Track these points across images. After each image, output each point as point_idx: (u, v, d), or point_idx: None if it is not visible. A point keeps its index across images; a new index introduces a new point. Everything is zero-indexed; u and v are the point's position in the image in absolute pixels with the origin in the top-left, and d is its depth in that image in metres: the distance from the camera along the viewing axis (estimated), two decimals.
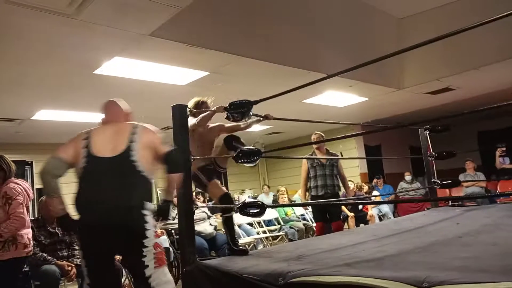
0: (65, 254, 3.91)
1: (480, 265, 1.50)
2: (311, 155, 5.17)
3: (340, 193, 5.31)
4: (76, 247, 3.98)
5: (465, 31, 1.64)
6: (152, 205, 2.31)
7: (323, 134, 5.10)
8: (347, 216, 7.41)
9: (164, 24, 3.30)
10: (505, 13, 1.49)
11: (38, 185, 7.13)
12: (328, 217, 5.05)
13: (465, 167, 7.74)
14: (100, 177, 2.27)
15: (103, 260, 2.23)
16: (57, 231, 3.94)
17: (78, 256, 3.91)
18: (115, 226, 2.17)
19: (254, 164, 2.75)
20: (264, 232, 6.70)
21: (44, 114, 5.51)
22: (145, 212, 2.22)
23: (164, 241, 4.83)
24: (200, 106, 3.05)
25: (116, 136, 2.38)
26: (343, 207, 7.44)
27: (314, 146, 5.09)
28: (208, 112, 2.86)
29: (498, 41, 4.79)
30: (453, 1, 4.67)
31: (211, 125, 3.16)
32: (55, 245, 3.89)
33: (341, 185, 5.18)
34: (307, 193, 5.25)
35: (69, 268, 3.73)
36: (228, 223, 2.97)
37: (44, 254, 3.74)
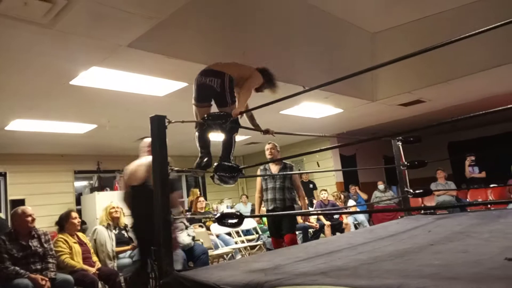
0: (39, 267, 3.83)
1: (451, 273, 1.53)
2: (265, 167, 4.87)
3: (297, 206, 4.89)
4: (50, 260, 3.90)
5: (437, 48, 1.72)
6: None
7: (276, 144, 4.84)
8: (324, 224, 7.51)
9: (143, 35, 3.30)
10: (475, 31, 1.57)
11: (11, 196, 6.94)
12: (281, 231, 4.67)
13: (436, 176, 7.96)
14: (132, 198, 3.66)
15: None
16: (30, 244, 3.85)
17: (51, 269, 3.84)
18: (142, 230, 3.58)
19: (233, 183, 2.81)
20: (243, 241, 6.70)
21: (19, 124, 5.38)
22: None
23: None
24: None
25: (138, 169, 3.64)
26: (320, 216, 7.55)
27: (268, 156, 4.78)
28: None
29: (467, 55, 4.99)
30: (425, 17, 4.85)
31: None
32: (28, 259, 3.80)
33: (297, 198, 4.83)
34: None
35: (43, 282, 3.65)
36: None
37: (16, 267, 3.65)
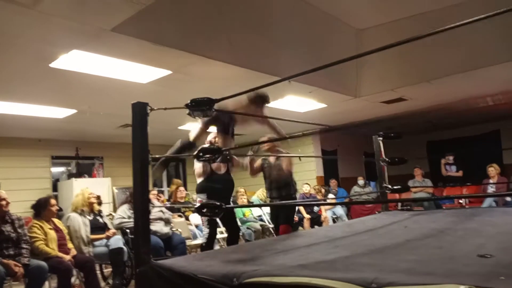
0: (12, 253, 3.74)
1: (426, 268, 1.55)
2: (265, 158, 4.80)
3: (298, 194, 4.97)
4: (24, 246, 3.82)
5: (416, 40, 1.72)
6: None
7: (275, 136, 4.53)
8: (303, 217, 7.58)
9: (127, 20, 3.24)
10: (452, 25, 1.56)
11: None
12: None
13: (414, 174, 8.11)
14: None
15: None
16: (2, 229, 3.76)
17: (25, 255, 3.76)
18: None
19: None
20: (221, 232, 6.69)
21: None
22: None
23: (118, 240, 4.73)
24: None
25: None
26: (301, 209, 7.60)
27: (266, 146, 4.59)
28: None
29: (449, 57, 5.07)
30: (411, 16, 4.89)
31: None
32: (0, 244, 3.71)
33: (297, 188, 4.90)
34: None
35: (16, 268, 3.57)
36: None
37: None
